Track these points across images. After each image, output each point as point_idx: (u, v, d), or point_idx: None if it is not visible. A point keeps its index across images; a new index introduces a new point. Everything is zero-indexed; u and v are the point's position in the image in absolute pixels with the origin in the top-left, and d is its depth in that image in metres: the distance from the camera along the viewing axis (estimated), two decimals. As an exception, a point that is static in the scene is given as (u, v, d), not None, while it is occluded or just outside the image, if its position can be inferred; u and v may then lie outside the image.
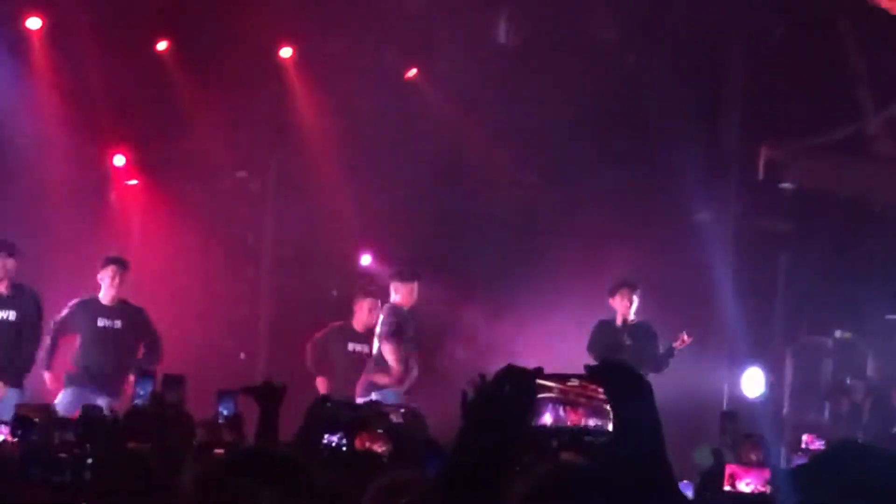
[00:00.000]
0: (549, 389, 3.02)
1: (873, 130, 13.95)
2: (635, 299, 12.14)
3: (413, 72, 14.27)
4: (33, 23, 13.03)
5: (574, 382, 3.04)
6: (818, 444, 10.26)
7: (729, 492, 8.34)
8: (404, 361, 11.70)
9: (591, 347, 12.04)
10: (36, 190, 12.84)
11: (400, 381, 11.64)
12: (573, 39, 13.39)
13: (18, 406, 8.99)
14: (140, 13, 12.90)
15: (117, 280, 11.36)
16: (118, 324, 11.39)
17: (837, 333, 13.84)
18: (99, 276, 11.40)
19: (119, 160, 14.00)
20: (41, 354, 11.20)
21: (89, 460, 5.94)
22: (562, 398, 3.02)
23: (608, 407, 3.01)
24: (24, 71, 12.94)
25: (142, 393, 9.09)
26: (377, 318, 11.90)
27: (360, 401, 10.64)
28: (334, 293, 13.22)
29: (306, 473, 2.99)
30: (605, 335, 12.09)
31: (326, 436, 6.75)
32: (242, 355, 14.32)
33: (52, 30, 13.02)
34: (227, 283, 14.20)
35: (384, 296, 12.07)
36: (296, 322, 13.37)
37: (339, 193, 13.82)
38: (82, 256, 12.12)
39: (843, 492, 3.28)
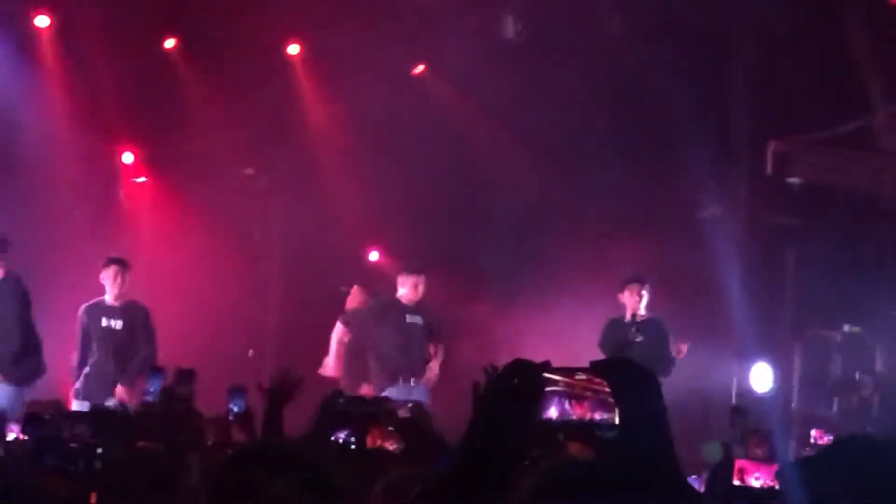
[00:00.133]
0: (555, 383, 3.02)
1: (881, 124, 13.90)
2: (645, 294, 12.14)
3: (420, 68, 14.28)
4: (41, 21, 13.06)
5: (581, 376, 3.05)
6: (827, 439, 10.25)
7: (739, 486, 8.33)
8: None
9: (603, 345, 12.04)
10: (45, 187, 12.86)
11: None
12: (580, 35, 13.38)
13: (30, 404, 9.01)
14: (148, 11, 12.92)
15: (119, 280, 11.35)
16: (119, 324, 11.40)
17: (846, 328, 13.78)
18: (101, 277, 11.40)
19: (127, 157, 14.02)
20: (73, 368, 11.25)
21: (99, 450, 5.99)
22: (568, 392, 3.03)
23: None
24: (32, 69, 12.96)
25: (152, 389, 9.10)
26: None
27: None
28: (342, 289, 13.21)
29: (319, 468, 2.98)
30: (615, 332, 12.09)
31: (336, 432, 6.74)
32: (251, 352, 14.32)
33: (61, 28, 13.04)
34: (235, 279, 14.20)
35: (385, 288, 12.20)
36: (304, 318, 13.38)
37: (347, 190, 13.82)
38: (91, 253, 12.12)
39: (849, 484, 3.28)
